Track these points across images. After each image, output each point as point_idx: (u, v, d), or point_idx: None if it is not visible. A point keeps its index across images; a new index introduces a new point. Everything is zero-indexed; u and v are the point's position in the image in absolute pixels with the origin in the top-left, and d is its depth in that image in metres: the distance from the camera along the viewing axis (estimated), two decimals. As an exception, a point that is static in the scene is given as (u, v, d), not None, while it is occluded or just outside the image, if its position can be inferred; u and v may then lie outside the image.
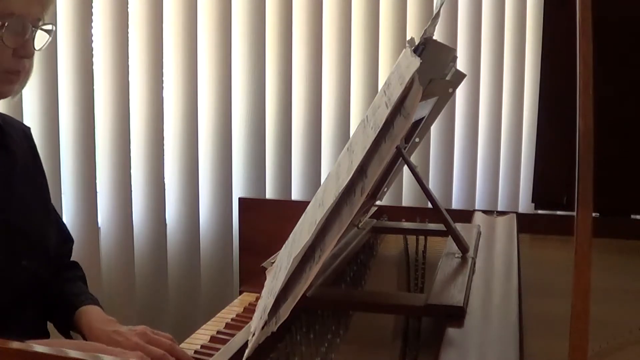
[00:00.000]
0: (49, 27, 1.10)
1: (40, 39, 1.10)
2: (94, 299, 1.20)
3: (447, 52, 1.13)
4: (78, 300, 1.17)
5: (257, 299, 1.36)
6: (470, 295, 0.98)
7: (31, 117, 1.82)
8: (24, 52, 1.05)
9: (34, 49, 1.08)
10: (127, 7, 1.97)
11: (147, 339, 1.05)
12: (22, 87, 1.13)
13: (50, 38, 1.11)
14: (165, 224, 2.11)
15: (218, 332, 1.19)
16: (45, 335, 1.19)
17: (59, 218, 1.32)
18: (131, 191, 2.03)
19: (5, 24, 1.01)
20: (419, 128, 1.28)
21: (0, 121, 1.16)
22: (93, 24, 1.92)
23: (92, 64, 1.92)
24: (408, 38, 1.02)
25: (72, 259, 1.32)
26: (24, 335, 0.97)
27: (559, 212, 1.64)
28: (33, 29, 1.06)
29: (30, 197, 1.18)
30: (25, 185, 1.17)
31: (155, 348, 1.02)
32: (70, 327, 1.17)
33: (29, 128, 1.26)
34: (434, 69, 1.03)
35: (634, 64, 1.50)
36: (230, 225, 2.20)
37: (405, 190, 2.48)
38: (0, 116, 1.18)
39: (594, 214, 0.57)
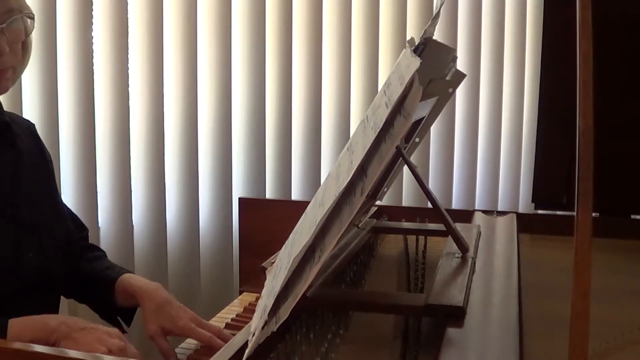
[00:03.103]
0: (22, 14, 1.08)
1: (21, 24, 1.08)
2: (128, 269, 1.23)
3: (447, 52, 1.13)
4: (115, 272, 1.21)
5: (257, 299, 1.36)
6: (470, 295, 0.98)
7: (31, 116, 1.81)
8: None
9: (5, 47, 1.05)
10: (127, 8, 1.97)
11: (198, 323, 1.10)
12: (15, 80, 1.13)
13: (32, 21, 1.09)
14: (165, 224, 2.11)
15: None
16: None
17: (70, 210, 1.34)
18: (131, 191, 2.03)
19: None
20: (419, 128, 1.28)
21: (7, 119, 1.18)
22: (93, 24, 1.92)
23: (92, 64, 1.92)
24: (408, 38, 1.02)
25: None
26: None
27: (559, 212, 1.64)
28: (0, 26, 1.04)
29: (37, 193, 1.20)
30: (32, 181, 1.19)
31: (202, 331, 1.08)
32: (110, 300, 1.20)
33: (33, 124, 1.29)
34: (434, 69, 1.03)
35: (634, 63, 1.50)
36: (230, 225, 2.20)
37: (405, 190, 2.49)
38: (7, 114, 1.20)
39: (594, 214, 0.57)
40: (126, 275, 1.20)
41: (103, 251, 1.35)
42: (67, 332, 0.96)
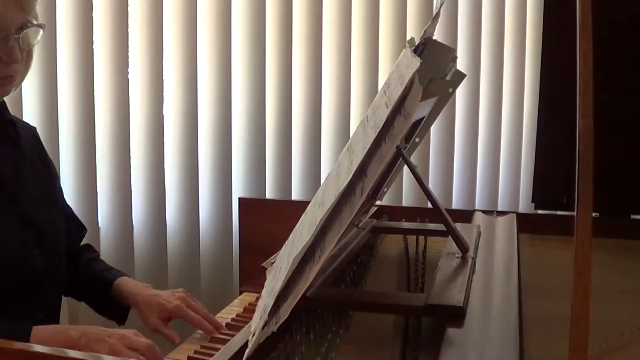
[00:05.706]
0: (36, 26, 1.12)
1: (34, 34, 1.12)
2: (122, 272, 1.31)
3: (447, 52, 1.13)
4: (111, 274, 1.30)
5: (257, 299, 1.36)
6: (470, 295, 0.98)
7: (31, 117, 1.82)
8: (8, 58, 1.08)
9: (19, 54, 1.10)
10: (127, 7, 1.97)
11: (187, 304, 1.18)
12: (20, 84, 1.19)
13: (43, 32, 1.14)
14: (165, 224, 2.11)
15: (218, 332, 1.19)
16: (56, 322, 1.24)
17: (72, 211, 1.39)
18: (131, 191, 2.03)
19: None
20: (419, 128, 1.28)
21: (13, 118, 1.22)
22: (93, 24, 1.92)
23: (92, 64, 1.92)
24: (408, 38, 1.02)
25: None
26: (36, 323, 1.04)
27: (559, 212, 1.64)
28: (15, 36, 1.08)
29: (39, 192, 1.23)
30: (34, 181, 1.22)
31: (193, 313, 1.17)
32: (107, 300, 1.27)
33: (34, 128, 1.32)
34: (434, 69, 1.03)
35: (634, 63, 1.50)
36: (230, 225, 2.20)
37: (405, 190, 2.48)
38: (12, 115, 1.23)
39: (594, 214, 0.57)
40: (120, 280, 1.27)
41: (97, 251, 1.41)
42: (87, 344, 1.00)
